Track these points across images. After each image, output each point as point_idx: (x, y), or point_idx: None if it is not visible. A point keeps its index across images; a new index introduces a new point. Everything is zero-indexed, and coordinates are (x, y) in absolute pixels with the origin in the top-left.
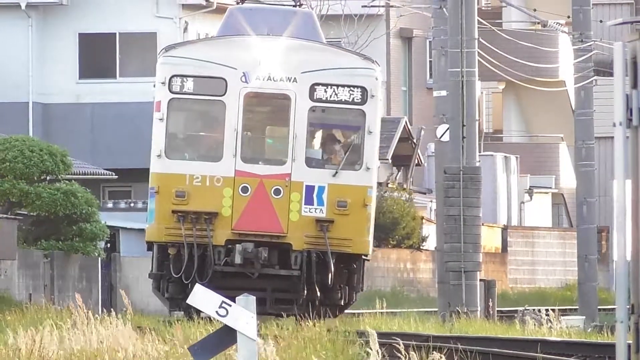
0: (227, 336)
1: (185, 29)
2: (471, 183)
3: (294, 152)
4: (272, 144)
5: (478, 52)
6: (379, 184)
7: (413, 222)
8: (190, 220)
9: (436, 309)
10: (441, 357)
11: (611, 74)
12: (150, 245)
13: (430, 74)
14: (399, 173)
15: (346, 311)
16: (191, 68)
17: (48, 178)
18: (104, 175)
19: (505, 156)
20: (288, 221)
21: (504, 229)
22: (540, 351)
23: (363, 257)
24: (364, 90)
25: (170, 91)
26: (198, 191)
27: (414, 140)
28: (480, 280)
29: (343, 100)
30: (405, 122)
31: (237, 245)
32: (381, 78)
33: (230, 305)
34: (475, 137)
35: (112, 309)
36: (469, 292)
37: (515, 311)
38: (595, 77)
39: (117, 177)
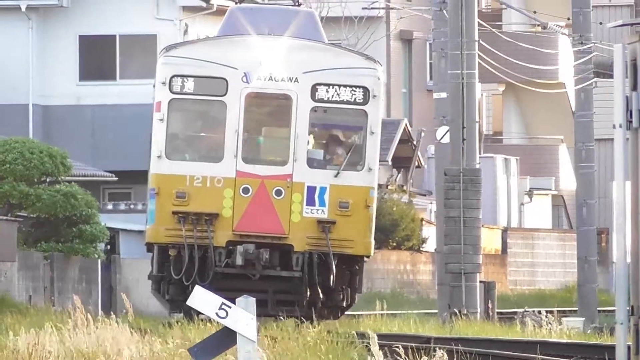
0: (227, 338)
1: (186, 31)
2: (471, 185)
3: (295, 153)
4: (274, 145)
5: (478, 54)
6: (379, 185)
7: (413, 223)
8: (190, 222)
9: (436, 311)
10: (443, 354)
11: (611, 76)
12: (150, 247)
13: (431, 76)
14: (399, 175)
15: (346, 313)
16: (192, 68)
17: (48, 180)
18: (104, 177)
19: (505, 158)
20: (289, 222)
21: (504, 231)
22: (540, 353)
23: (365, 258)
24: (366, 90)
25: (171, 91)
26: (199, 192)
27: (414, 142)
28: (480, 281)
29: (345, 100)
30: (405, 124)
31: (238, 246)
32: (383, 78)
33: (230, 307)
34: (475, 139)
35: (111, 311)
36: (469, 294)
37: (515, 313)
38: (595, 79)
39: (117, 179)
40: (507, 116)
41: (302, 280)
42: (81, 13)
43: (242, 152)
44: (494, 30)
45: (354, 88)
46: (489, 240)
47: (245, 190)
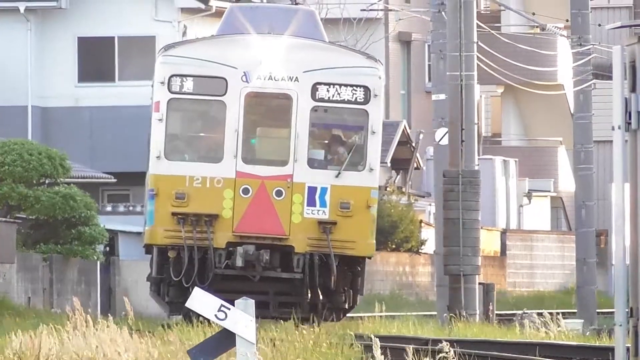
0: (226, 339)
1: (184, 33)
2: (470, 186)
3: (295, 153)
4: (274, 145)
5: (477, 56)
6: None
7: (412, 225)
8: (190, 223)
9: (435, 313)
10: (448, 352)
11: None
12: (149, 248)
13: (429, 78)
14: (398, 176)
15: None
16: (191, 67)
17: (47, 181)
18: (102, 178)
19: (504, 160)
20: (290, 223)
21: (503, 233)
22: (539, 354)
23: (367, 258)
24: (366, 89)
25: (170, 91)
26: (198, 193)
27: (413, 144)
28: (479, 283)
29: (346, 99)
30: (404, 126)
31: (238, 247)
32: (384, 77)
33: (229, 309)
34: (474, 141)
35: (110, 313)
36: (468, 296)
37: (514, 314)
38: (594, 81)
39: (115, 180)
40: (506, 118)
41: (303, 281)
42: (80, 14)
43: (242, 152)
44: (492, 31)
45: (355, 87)
46: (488, 242)
47: (245, 191)
